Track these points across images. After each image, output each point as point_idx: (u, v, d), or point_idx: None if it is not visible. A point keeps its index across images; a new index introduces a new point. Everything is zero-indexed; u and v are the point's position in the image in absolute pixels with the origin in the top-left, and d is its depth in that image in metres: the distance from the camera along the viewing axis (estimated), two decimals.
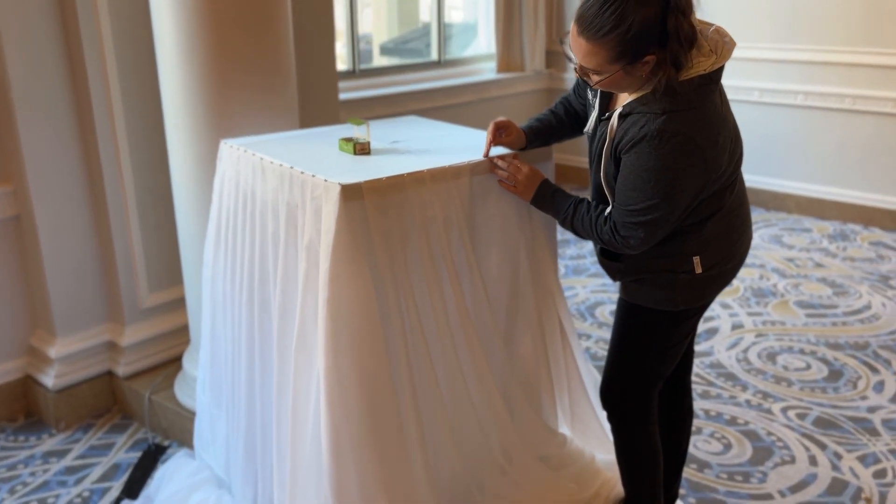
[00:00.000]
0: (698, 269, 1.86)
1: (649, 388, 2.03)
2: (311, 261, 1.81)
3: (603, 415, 2.36)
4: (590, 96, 1.96)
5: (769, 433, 2.82)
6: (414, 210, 1.85)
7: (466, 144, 2.14)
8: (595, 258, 3.47)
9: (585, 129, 1.95)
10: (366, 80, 4.90)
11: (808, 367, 3.31)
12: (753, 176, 5.21)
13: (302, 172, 1.84)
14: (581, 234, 1.92)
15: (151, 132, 2.84)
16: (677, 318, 1.94)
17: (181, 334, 3.03)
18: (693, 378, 2.59)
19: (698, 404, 2.99)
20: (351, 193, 1.73)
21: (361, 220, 1.76)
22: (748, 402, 3.02)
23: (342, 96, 4.41)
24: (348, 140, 2.06)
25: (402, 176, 1.83)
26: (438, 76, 5.35)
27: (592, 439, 2.37)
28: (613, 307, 3.79)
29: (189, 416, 2.67)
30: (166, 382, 2.90)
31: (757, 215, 5.24)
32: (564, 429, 2.39)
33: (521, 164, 1.98)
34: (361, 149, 2.04)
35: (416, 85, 5.13)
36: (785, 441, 2.76)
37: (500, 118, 2.02)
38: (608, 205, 1.86)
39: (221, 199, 2.19)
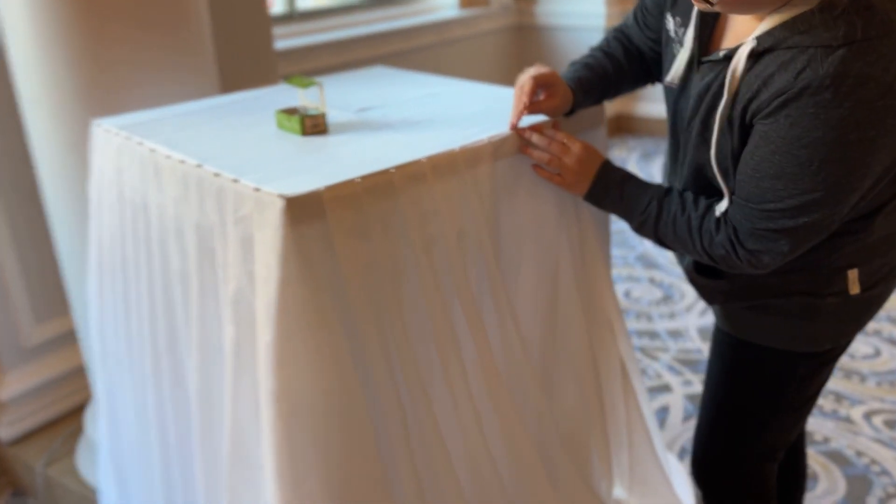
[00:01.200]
0: (854, 289, 1.19)
1: (768, 461, 1.37)
2: (242, 325, 1.08)
3: (675, 474, 1.71)
4: (671, 26, 1.23)
5: (859, 453, 2.22)
6: (410, 226, 1.12)
7: (473, 108, 1.41)
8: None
9: (667, 80, 1.23)
10: (307, 25, 4.07)
11: (878, 353, 2.72)
12: None
13: (216, 174, 1.10)
14: (670, 244, 1.23)
15: (7, 110, 2.02)
16: (817, 363, 1.27)
17: (80, 378, 2.27)
18: None
19: None
20: (303, 210, 1.00)
21: (324, 253, 1.03)
22: (819, 407, 2.42)
23: (278, 44, 3.59)
24: (291, 112, 1.31)
25: (387, 172, 1.10)
26: (391, 16, 4.54)
27: None
28: (638, 285, 3.14)
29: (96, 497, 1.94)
30: (65, 448, 2.15)
31: None
32: (620, 492, 1.74)
33: (569, 140, 1.26)
34: (314, 126, 1.29)
35: (364, 28, 4.31)
36: (882, 465, 2.17)
37: (541, 68, 1.28)
38: (717, 198, 1.17)
39: (101, 214, 1.42)
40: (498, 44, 5.11)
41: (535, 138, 1.26)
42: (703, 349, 2.71)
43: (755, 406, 1.30)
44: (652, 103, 4.97)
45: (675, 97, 1.22)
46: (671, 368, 2.61)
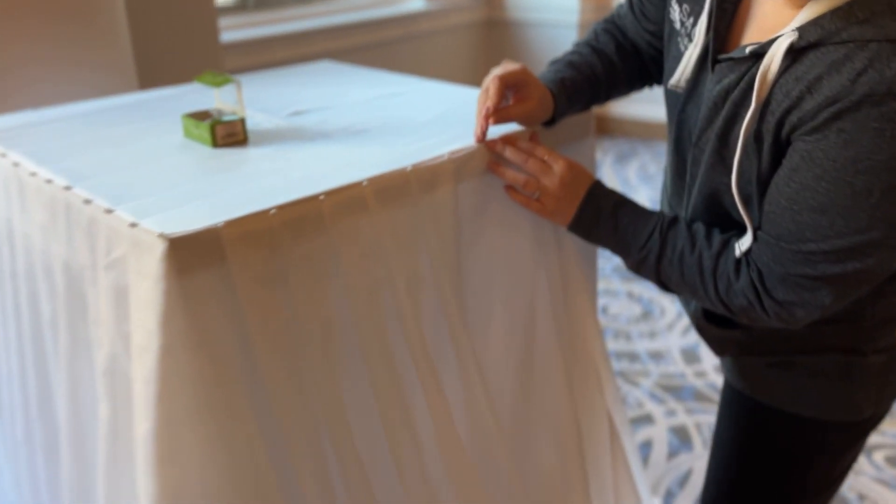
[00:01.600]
0: None
1: None
2: (119, 403, 0.81)
3: None
4: (676, 15, 0.99)
5: (861, 496, 2.00)
6: (346, 270, 0.86)
7: (433, 113, 1.15)
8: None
9: (671, 83, 0.98)
10: (260, 15, 3.77)
11: None
12: None
13: (87, 201, 0.82)
14: (675, 287, 0.98)
15: None
16: (853, 434, 1.03)
17: None
18: None
19: None
20: (194, 254, 0.73)
21: (224, 311, 0.76)
22: None
23: (227, 36, 3.30)
24: (201, 117, 1.04)
25: (315, 200, 0.83)
26: (352, 6, 4.26)
27: None
28: (615, 300, 2.91)
29: None
30: None
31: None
32: None
33: (549, 156, 1.01)
34: (228, 135, 1.02)
35: (323, 20, 4.02)
36: None
37: (509, 65, 1.01)
38: (736, 231, 0.93)
39: None
40: (466, 40, 4.87)
41: (508, 153, 1.00)
42: (687, 373, 2.49)
43: (776, 486, 1.06)
44: (629, 102, 4.75)
45: (681, 104, 0.98)
46: (653, 396, 2.38)
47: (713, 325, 1.03)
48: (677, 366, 2.53)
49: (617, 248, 1.00)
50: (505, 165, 1.01)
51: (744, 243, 0.89)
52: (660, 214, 0.98)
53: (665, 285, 0.98)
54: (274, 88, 1.34)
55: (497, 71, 1.00)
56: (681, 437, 2.19)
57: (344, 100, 1.25)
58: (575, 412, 1.21)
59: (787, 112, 0.80)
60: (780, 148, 0.83)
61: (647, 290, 2.97)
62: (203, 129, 1.00)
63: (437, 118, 1.12)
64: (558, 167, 0.99)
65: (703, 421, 2.27)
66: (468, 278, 1.02)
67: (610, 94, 1.14)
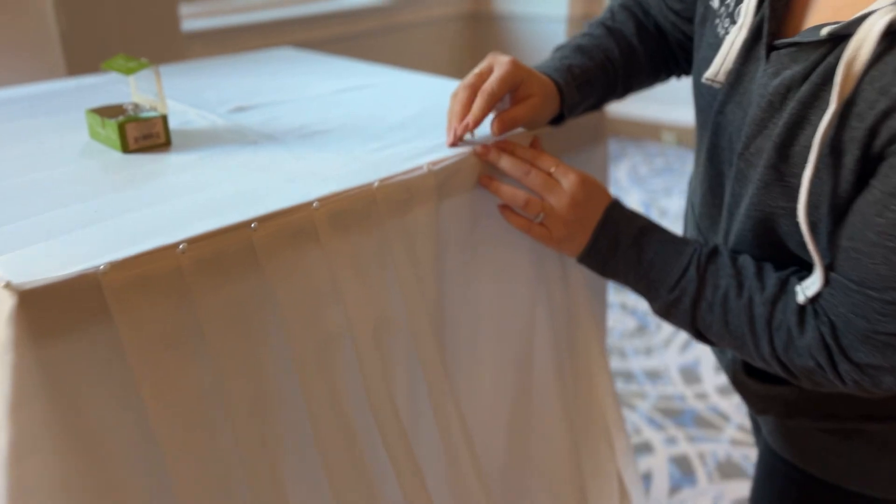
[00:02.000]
0: None
1: None
2: None
3: None
4: None
5: None
6: (288, 319, 0.64)
7: (410, 111, 0.93)
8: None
9: (707, 75, 0.76)
10: (226, 3, 3.53)
11: None
12: None
13: None
14: (717, 339, 0.77)
15: None
16: None
17: None
18: None
19: None
20: (62, 309, 0.51)
21: (106, 388, 0.54)
22: None
23: (190, 25, 3.06)
24: (111, 113, 0.81)
25: (244, 228, 0.61)
26: None
27: None
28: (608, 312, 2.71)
29: None
30: None
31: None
32: None
33: (557, 167, 0.79)
34: (143, 136, 0.78)
35: (295, 9, 3.79)
36: None
37: (499, 59, 0.79)
38: (796, 268, 0.72)
39: None
40: (449, 34, 4.65)
41: (504, 164, 0.78)
42: (687, 395, 2.29)
43: None
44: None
45: (720, 102, 0.76)
46: (651, 421, 2.18)
47: (755, 379, 0.82)
48: (676, 386, 2.33)
49: (640, 287, 0.78)
50: (500, 179, 0.79)
51: (810, 286, 0.68)
52: (695, 245, 0.77)
53: (703, 335, 0.77)
54: (217, 79, 1.11)
55: (477, 69, 0.79)
56: (683, 469, 1.99)
57: (301, 93, 1.03)
58: (580, 476, 0.99)
59: (885, 116, 0.59)
60: (869, 164, 0.62)
61: (642, 301, 2.77)
62: (110, 129, 0.77)
63: (413, 118, 0.90)
64: (568, 182, 0.77)
65: (707, 450, 2.08)
66: (451, 320, 0.80)
67: (629, 86, 0.92)
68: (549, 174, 0.78)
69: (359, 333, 0.69)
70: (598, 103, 0.91)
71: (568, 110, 0.84)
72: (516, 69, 0.78)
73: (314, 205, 0.65)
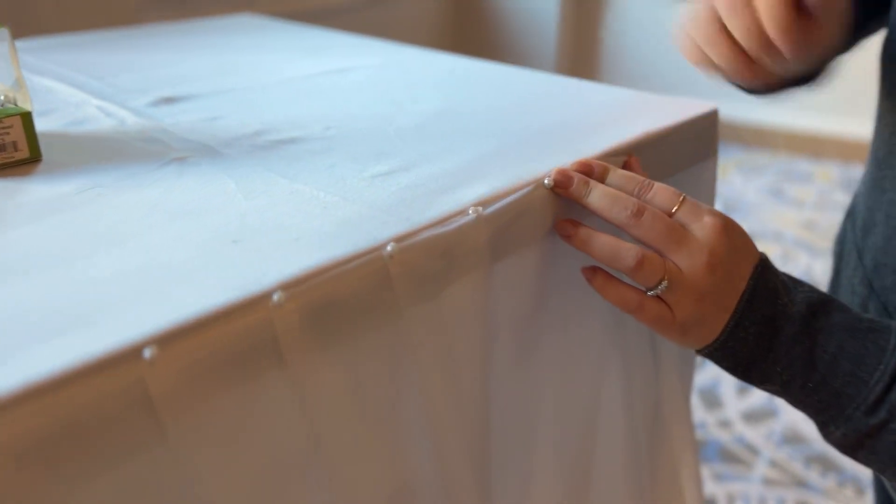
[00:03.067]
0: None
1: None
2: None
3: None
4: None
5: None
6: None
7: (426, 106, 0.61)
8: None
9: None
10: None
11: None
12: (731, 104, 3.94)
13: None
14: None
15: None
16: None
17: None
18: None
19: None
20: None
21: None
22: None
23: None
24: None
25: (135, 361, 0.29)
26: None
27: None
28: None
29: None
30: None
31: (733, 156, 3.99)
32: None
33: (682, 202, 0.48)
34: None
35: None
36: None
37: None
38: None
39: None
40: (434, 5, 4.31)
41: (596, 198, 0.47)
42: (709, 422, 2.02)
43: None
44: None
45: None
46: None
47: None
48: (696, 412, 2.05)
49: (810, 402, 0.48)
50: (589, 226, 0.48)
51: None
52: None
53: None
54: (143, 54, 0.78)
55: None
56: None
57: (260, 78, 0.70)
58: None
59: None
60: None
61: None
62: None
63: (435, 117, 0.59)
64: (704, 230, 0.46)
65: (736, 491, 1.81)
66: (499, 444, 0.50)
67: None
68: (671, 216, 0.47)
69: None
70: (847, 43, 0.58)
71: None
72: None
73: (275, 297, 0.33)
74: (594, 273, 0.48)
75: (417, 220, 0.41)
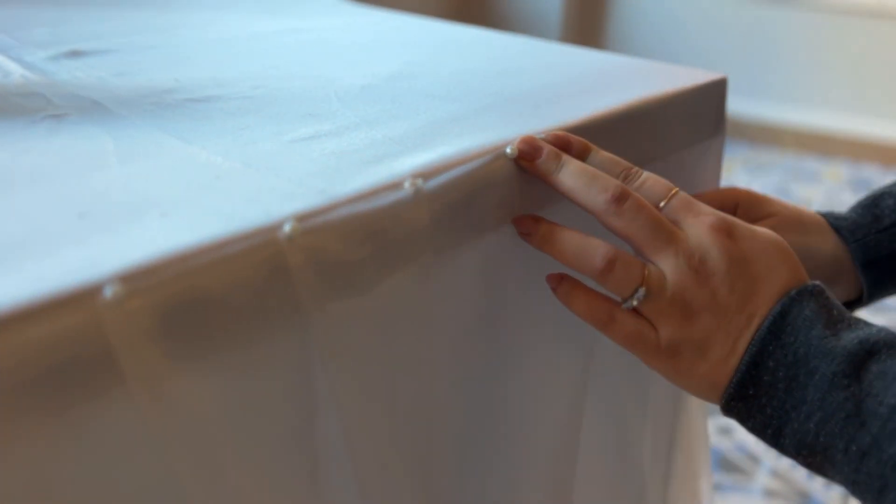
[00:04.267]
0: None
1: None
2: None
3: None
4: None
5: None
6: None
7: (379, 70, 0.52)
8: None
9: None
10: None
11: None
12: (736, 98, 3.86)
13: None
14: None
15: None
16: None
17: None
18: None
19: None
20: None
21: None
22: None
23: None
24: None
25: None
26: None
27: None
28: None
29: None
30: None
31: (739, 153, 3.90)
32: None
33: (671, 195, 0.38)
34: None
35: None
36: None
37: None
38: None
39: None
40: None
41: (567, 176, 0.37)
42: (751, 444, 1.93)
43: None
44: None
45: None
46: None
47: None
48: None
49: (850, 468, 0.33)
50: (555, 223, 0.38)
51: None
52: None
53: None
54: (73, 10, 0.69)
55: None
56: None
57: (193, 35, 0.61)
58: None
59: None
60: None
61: None
62: None
63: (387, 81, 0.49)
64: (699, 230, 0.37)
65: (735, 503, 1.72)
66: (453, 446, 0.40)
67: None
68: (659, 209, 0.37)
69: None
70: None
71: (871, 283, 0.49)
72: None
73: (106, 292, 0.24)
74: (559, 280, 0.38)
75: (335, 192, 0.31)
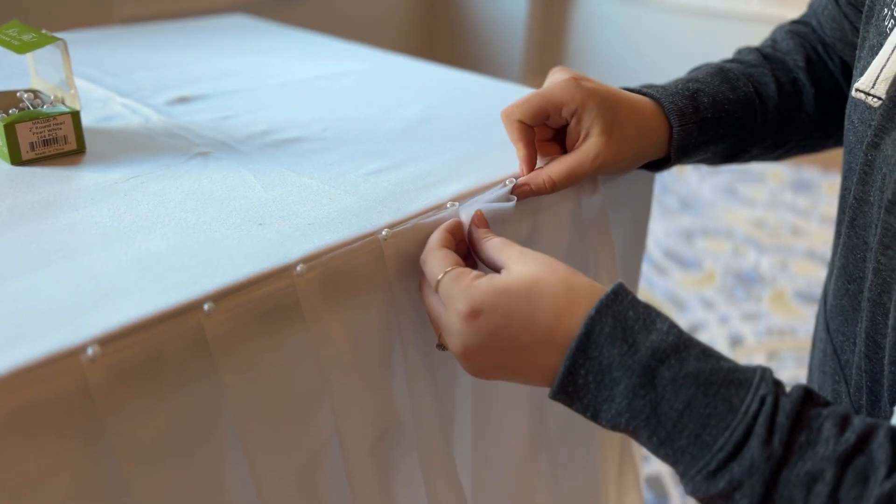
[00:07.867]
0: None
1: None
2: None
3: None
4: None
5: None
6: (254, 435, 0.43)
7: (410, 111, 0.71)
8: None
9: (859, 85, 0.50)
10: None
11: None
12: None
13: None
14: None
15: None
16: None
17: None
18: None
19: None
20: None
21: None
22: None
23: None
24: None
25: (192, 312, 0.39)
26: None
27: None
28: None
29: None
30: None
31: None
32: None
33: (449, 269, 0.46)
34: (42, 142, 0.55)
35: None
36: None
37: (555, 72, 0.59)
38: None
39: None
40: (406, 9, 4.38)
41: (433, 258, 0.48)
42: None
43: None
44: None
45: (875, 130, 0.49)
46: None
47: None
48: None
49: (659, 453, 0.43)
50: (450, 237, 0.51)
51: None
52: (761, 375, 0.41)
53: None
54: (152, 53, 0.87)
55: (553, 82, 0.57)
56: (656, 491, 1.86)
57: (262, 80, 0.79)
58: None
59: None
60: None
61: None
62: None
63: (419, 123, 0.68)
64: (452, 318, 0.45)
65: None
66: (462, 412, 0.60)
67: (785, 138, 0.67)
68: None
69: (352, 446, 0.48)
70: (729, 154, 0.65)
71: (678, 152, 0.60)
72: (562, 91, 0.55)
73: (298, 268, 0.43)
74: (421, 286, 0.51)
75: (405, 210, 0.51)
